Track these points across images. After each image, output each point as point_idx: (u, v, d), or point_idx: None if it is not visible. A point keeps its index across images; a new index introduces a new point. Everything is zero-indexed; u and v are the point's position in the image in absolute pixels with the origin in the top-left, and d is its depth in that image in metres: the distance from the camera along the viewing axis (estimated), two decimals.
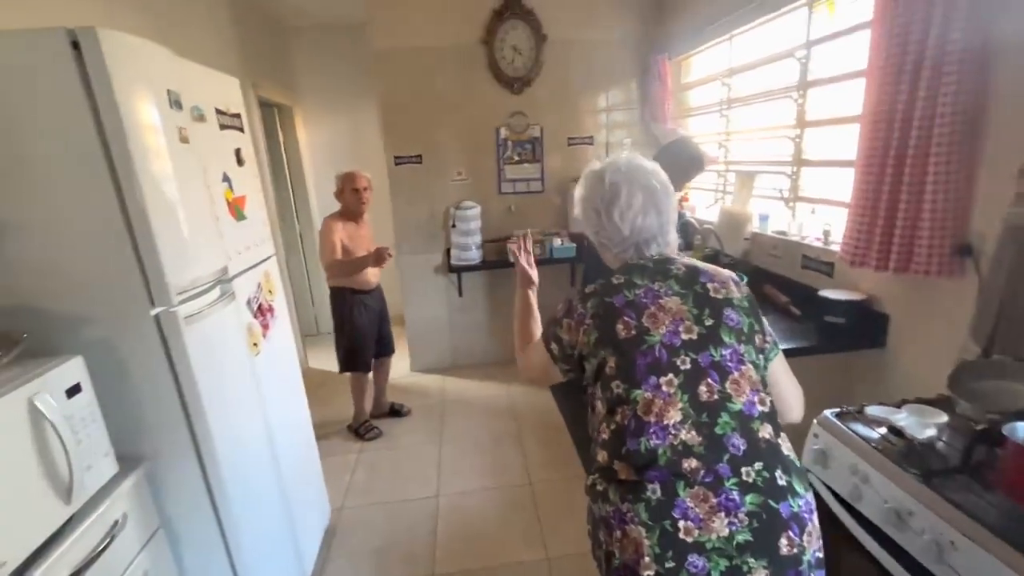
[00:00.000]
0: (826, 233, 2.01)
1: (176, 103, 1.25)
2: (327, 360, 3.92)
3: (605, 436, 0.91)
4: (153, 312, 1.18)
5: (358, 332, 2.69)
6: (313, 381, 3.63)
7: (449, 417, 3.03)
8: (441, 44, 3.17)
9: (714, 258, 2.60)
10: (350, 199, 2.55)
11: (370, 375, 2.86)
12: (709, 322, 0.91)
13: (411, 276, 3.53)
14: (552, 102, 3.35)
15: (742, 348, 0.91)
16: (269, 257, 1.79)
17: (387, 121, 3.26)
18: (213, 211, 1.41)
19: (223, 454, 1.34)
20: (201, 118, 1.39)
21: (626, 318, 0.91)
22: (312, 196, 4.25)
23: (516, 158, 3.40)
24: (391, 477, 2.52)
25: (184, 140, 1.27)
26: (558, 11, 3.18)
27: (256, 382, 1.58)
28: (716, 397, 0.86)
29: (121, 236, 1.13)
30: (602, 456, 0.92)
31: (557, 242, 3.34)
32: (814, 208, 2.13)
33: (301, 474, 1.91)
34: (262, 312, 1.67)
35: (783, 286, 2.12)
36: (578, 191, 1.08)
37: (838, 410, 1.25)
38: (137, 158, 1.10)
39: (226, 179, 1.51)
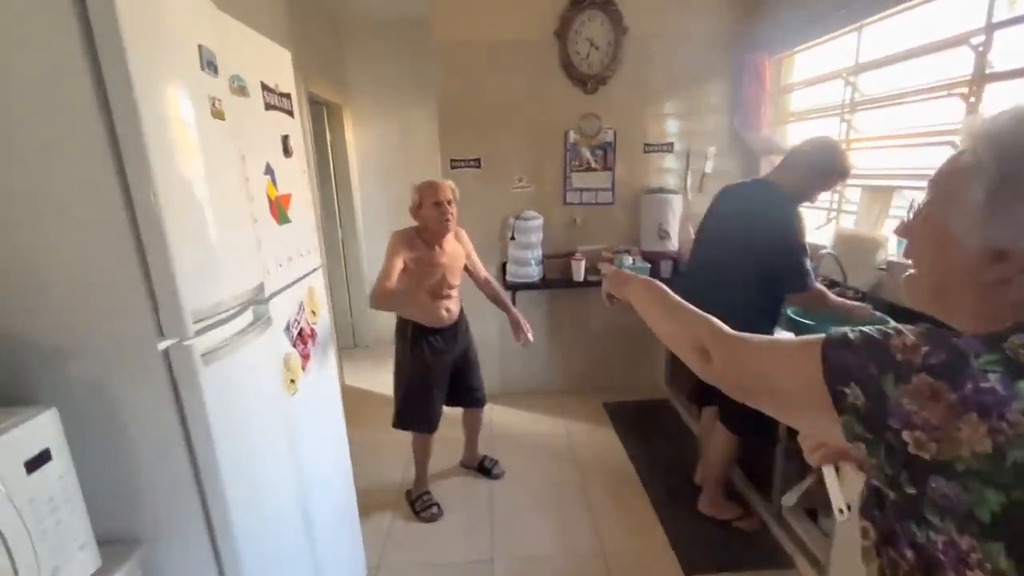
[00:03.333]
0: None
1: (210, 65, 0.94)
2: (366, 377, 3.63)
3: None
4: (162, 346, 0.86)
5: (417, 379, 2.13)
6: (350, 400, 3.31)
7: (499, 456, 2.65)
8: (509, 37, 2.85)
9: (832, 289, 2.16)
10: (430, 215, 1.99)
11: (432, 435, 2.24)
12: None
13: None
14: (629, 104, 2.97)
15: None
16: (315, 270, 1.47)
17: (445, 121, 2.95)
18: (251, 211, 1.10)
19: (242, 530, 1.01)
20: (242, 91, 1.08)
21: None
22: (357, 199, 3.99)
23: (585, 165, 3.04)
24: (436, 527, 2.16)
25: (218, 115, 0.96)
26: (642, 1, 2.82)
27: (290, 428, 1.24)
28: None
29: (123, 240, 0.81)
30: None
31: (628, 260, 2.94)
32: None
33: (337, 534, 1.57)
34: (303, 339, 1.35)
35: None
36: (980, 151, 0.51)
37: None
38: (149, 129, 0.79)
39: (269, 171, 1.20)
